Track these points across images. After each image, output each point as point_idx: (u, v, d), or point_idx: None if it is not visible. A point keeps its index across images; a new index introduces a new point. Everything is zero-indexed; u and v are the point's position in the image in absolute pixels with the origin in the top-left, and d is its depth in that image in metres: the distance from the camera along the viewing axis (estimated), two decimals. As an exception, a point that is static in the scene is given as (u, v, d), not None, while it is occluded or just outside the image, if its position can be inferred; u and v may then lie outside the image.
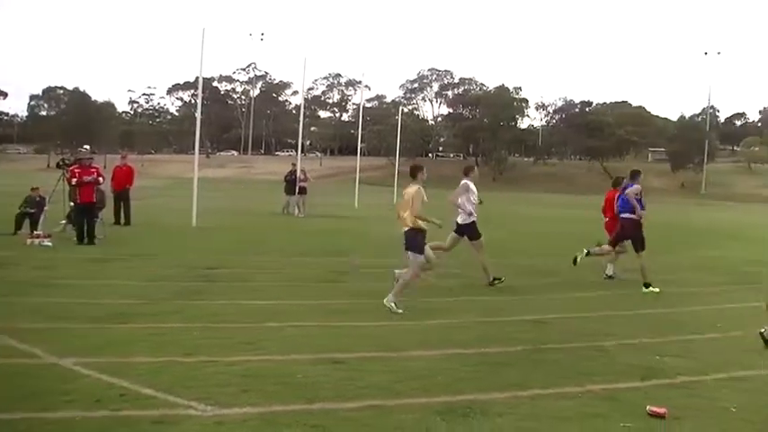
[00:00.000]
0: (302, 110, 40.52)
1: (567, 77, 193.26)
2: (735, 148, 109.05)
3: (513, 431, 4.79)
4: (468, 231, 11.53)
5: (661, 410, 5.22)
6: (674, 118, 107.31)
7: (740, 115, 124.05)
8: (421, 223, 9.28)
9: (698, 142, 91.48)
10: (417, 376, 6.00)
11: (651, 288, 11.65)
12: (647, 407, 5.28)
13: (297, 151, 38.79)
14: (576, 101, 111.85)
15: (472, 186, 11.73)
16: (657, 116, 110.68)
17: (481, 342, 7.41)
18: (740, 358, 7.27)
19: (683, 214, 42.51)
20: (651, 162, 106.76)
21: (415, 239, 9.32)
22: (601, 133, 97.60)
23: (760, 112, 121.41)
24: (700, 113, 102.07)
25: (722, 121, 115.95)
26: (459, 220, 11.54)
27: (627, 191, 12.41)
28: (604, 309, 9.91)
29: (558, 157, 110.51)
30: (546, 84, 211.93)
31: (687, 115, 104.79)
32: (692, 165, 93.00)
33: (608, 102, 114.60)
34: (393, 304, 9.03)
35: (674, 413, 5.23)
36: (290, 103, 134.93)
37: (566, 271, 13.47)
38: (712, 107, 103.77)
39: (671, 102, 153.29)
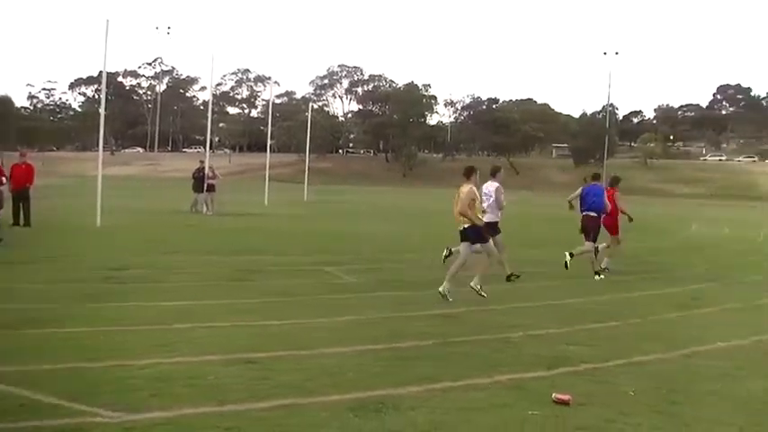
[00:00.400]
0: (210, 106, 39.72)
1: (474, 75, 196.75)
2: (632, 144, 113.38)
3: (425, 424, 4.86)
4: (494, 230, 11.70)
5: (566, 397, 5.42)
6: (577, 115, 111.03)
7: (637, 113, 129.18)
8: (472, 218, 10.23)
9: (599, 138, 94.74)
10: (329, 373, 6.01)
11: (600, 276, 12.81)
12: (553, 394, 5.46)
13: (205, 148, 38.09)
14: (484, 98, 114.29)
15: (492, 187, 12.17)
16: (561, 113, 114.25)
17: (392, 337, 7.49)
18: (639, 344, 7.62)
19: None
20: (555, 157, 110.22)
21: (478, 233, 10.28)
22: (507, 129, 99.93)
23: (655, 110, 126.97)
24: (600, 111, 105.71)
25: (621, 118, 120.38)
26: (487, 218, 11.46)
27: (604, 193, 13.50)
28: (512, 301, 10.18)
29: (466, 153, 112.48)
30: (454, 81, 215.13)
31: (588, 112, 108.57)
32: (593, 160, 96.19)
33: (514, 99, 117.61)
34: (478, 287, 10.03)
35: (579, 399, 5.44)
36: (198, 99, 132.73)
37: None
38: (612, 105, 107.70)
39: (573, 99, 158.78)
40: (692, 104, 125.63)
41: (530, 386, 5.85)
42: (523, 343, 7.50)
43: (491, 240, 10.61)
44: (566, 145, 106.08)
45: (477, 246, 10.40)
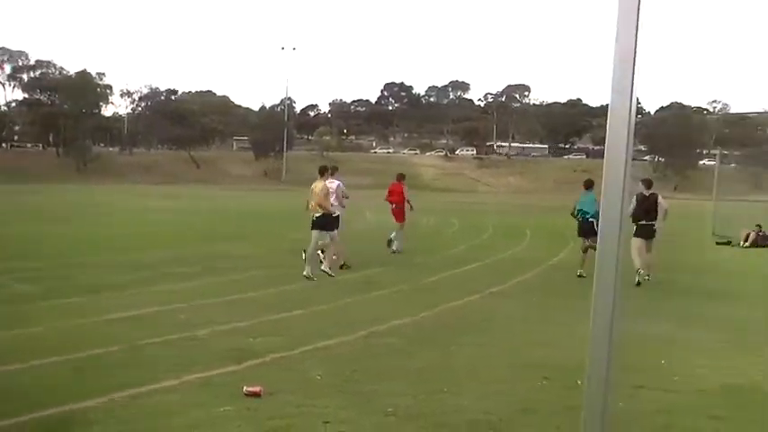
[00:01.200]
0: None
1: (152, 65, 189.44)
2: (309, 137, 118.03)
3: (114, 434, 4.68)
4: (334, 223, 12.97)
5: (256, 389, 5.55)
6: (257, 108, 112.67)
7: (313, 107, 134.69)
8: (330, 208, 12.62)
9: (278, 131, 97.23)
10: (5, 394, 5.47)
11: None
12: (244, 388, 5.57)
13: None
14: (162, 89, 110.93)
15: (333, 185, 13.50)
16: (241, 106, 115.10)
17: (74, 346, 6.99)
18: (323, 330, 8.04)
19: (268, 200, 44.95)
20: (236, 150, 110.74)
21: (327, 221, 12.49)
22: (187, 122, 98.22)
23: (330, 104, 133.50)
24: (279, 104, 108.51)
25: (298, 111, 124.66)
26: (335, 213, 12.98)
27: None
28: (198, 298, 10.06)
29: (145, 147, 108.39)
30: (131, 70, 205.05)
31: (268, 106, 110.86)
32: (273, 153, 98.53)
33: (194, 90, 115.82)
34: (328, 269, 12.41)
35: (269, 389, 5.60)
36: None
37: (161, 263, 13.42)
38: (290, 98, 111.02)
39: (253, 92, 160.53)
40: (362, 100, 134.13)
41: (220, 382, 5.90)
42: (211, 339, 7.51)
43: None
44: (246, 138, 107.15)
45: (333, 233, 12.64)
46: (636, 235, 12.84)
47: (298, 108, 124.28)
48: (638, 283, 12.23)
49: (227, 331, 7.92)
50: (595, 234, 13.64)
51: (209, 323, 8.21)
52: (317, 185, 12.73)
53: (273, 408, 5.27)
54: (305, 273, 12.08)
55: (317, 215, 12.48)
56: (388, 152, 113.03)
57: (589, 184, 13.77)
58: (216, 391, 5.63)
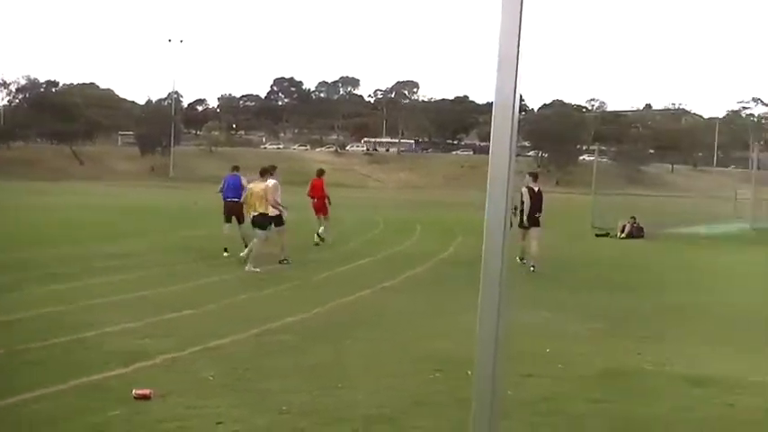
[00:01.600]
0: None
1: (30, 54, 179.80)
2: (198, 132, 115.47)
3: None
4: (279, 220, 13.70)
5: (146, 392, 5.42)
6: (142, 102, 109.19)
7: (201, 101, 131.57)
8: (272, 210, 13.17)
9: (165, 126, 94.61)
10: None
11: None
12: (133, 390, 5.42)
13: None
14: (42, 80, 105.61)
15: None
16: (126, 99, 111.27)
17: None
18: (214, 329, 7.90)
19: (156, 197, 43.73)
20: (121, 146, 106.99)
21: (263, 221, 12.99)
22: (69, 115, 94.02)
23: (218, 98, 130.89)
24: (166, 98, 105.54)
25: (186, 106, 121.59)
26: (272, 212, 13.37)
27: (241, 182, 14.95)
28: (86, 298, 9.67)
29: (23, 141, 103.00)
30: (7, 60, 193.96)
31: (154, 99, 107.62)
32: (160, 148, 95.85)
33: (76, 83, 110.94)
34: (253, 267, 12.57)
35: (160, 392, 5.48)
36: None
37: (46, 263, 12.85)
38: (177, 92, 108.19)
39: (138, 85, 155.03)
40: (252, 95, 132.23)
41: (109, 386, 5.73)
42: (99, 341, 7.27)
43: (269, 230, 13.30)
44: (131, 132, 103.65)
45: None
46: (521, 225, 13.59)
47: (185, 102, 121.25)
48: (521, 259, 13.91)
49: (117, 333, 7.68)
50: None
51: (98, 324, 7.92)
52: (260, 186, 13.22)
53: (164, 410, 5.16)
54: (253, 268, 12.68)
55: (255, 214, 13.05)
56: (279, 148, 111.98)
57: None
58: (104, 395, 5.46)
